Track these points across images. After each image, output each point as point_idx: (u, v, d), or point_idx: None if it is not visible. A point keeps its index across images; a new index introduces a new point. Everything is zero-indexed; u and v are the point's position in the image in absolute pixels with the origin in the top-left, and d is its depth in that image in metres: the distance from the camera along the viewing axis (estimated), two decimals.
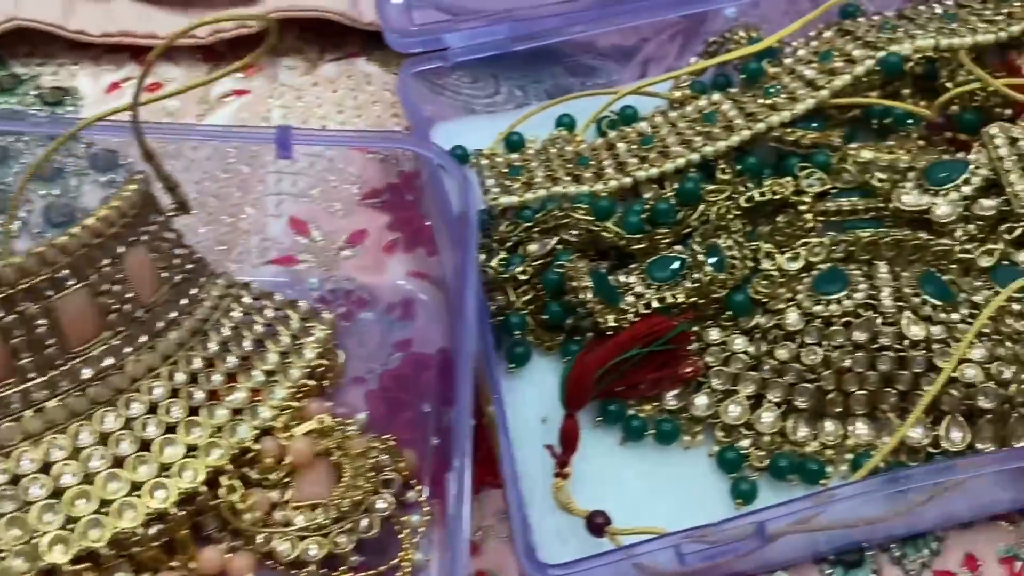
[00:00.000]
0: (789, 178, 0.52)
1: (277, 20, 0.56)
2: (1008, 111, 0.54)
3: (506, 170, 0.55)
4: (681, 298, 0.47)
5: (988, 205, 0.50)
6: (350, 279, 0.55)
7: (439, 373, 0.51)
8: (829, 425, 0.46)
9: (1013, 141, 0.51)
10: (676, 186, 0.52)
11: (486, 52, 0.59)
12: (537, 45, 0.59)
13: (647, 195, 0.53)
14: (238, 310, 0.49)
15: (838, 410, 0.46)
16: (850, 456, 0.46)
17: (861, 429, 0.46)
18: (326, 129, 0.62)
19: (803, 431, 0.46)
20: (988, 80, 0.52)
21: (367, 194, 0.59)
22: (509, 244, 0.51)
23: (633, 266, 0.50)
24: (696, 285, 0.48)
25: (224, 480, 0.44)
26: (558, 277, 0.48)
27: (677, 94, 0.58)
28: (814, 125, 0.54)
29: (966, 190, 0.50)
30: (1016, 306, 0.47)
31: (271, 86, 0.65)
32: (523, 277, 0.49)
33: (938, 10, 0.58)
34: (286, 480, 0.46)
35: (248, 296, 0.50)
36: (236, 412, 0.46)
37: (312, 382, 0.49)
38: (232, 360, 0.47)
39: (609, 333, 0.47)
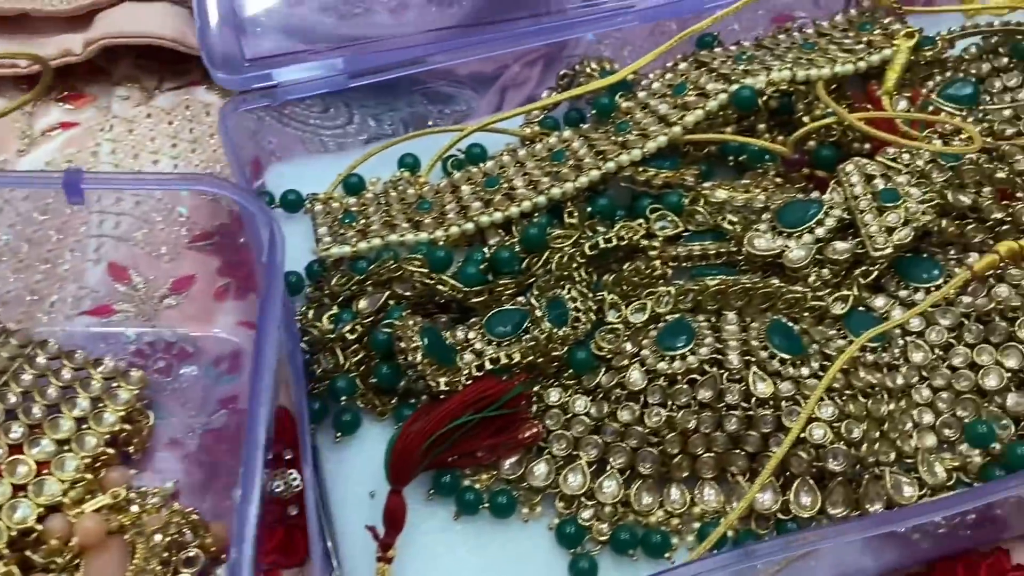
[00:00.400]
0: (640, 221, 0.49)
1: (55, 59, 0.52)
2: (867, 145, 0.52)
3: (341, 216, 0.52)
4: (517, 357, 0.44)
5: (842, 248, 0.47)
6: (172, 330, 0.51)
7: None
8: (675, 492, 0.44)
9: (869, 179, 0.49)
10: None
11: (320, 89, 0.55)
12: (378, 80, 0.56)
13: (492, 241, 0.50)
14: (29, 372, 0.45)
15: (685, 475, 0.44)
16: (697, 524, 0.43)
17: (709, 495, 0.43)
18: (122, 172, 0.58)
19: (647, 499, 0.43)
20: (843, 115, 0.50)
21: (197, 236, 0.54)
22: (341, 299, 0.47)
23: (472, 320, 0.46)
24: (534, 342, 0.44)
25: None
26: (387, 336, 0.45)
27: (527, 131, 0.55)
28: (667, 164, 0.52)
29: (820, 232, 0.48)
30: (870, 356, 0.45)
31: (103, 118, 0.60)
32: (351, 336, 0.45)
33: (798, 39, 0.56)
34: (74, 563, 0.41)
35: (44, 356, 0.46)
36: (18, 488, 0.42)
37: (112, 450, 0.45)
38: (18, 430, 0.43)
39: (443, 397, 0.44)
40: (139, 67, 0.62)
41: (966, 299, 0.46)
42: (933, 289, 0.46)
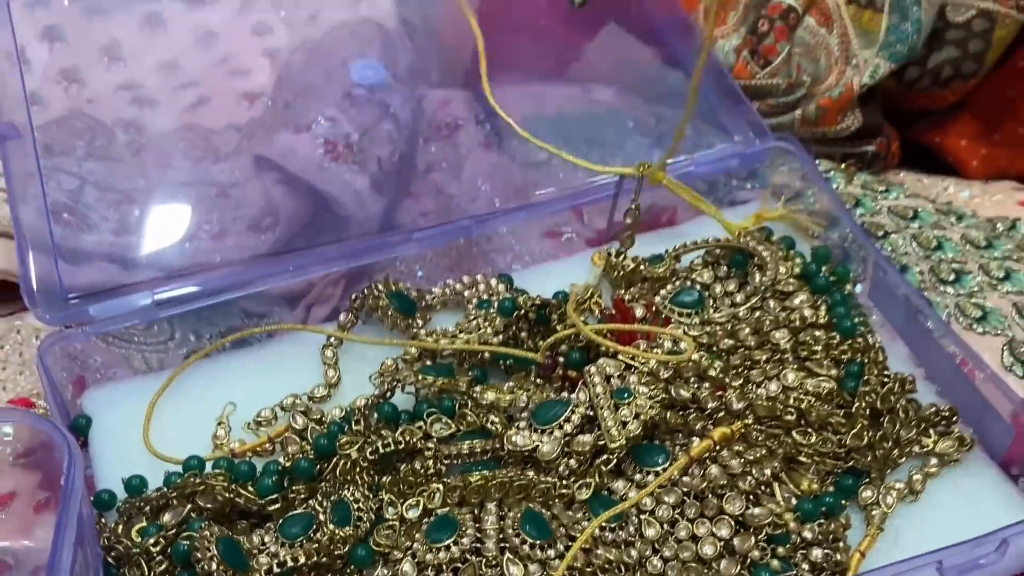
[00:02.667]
0: (420, 424, 0.57)
1: None
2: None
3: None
4: (302, 558, 0.51)
5: (584, 440, 0.56)
6: None
7: None
8: None
9: (607, 378, 0.58)
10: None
11: (132, 321, 0.62)
12: (185, 310, 0.63)
13: (291, 449, 0.57)
14: None
15: None
16: None
17: None
18: None
19: None
20: (581, 327, 0.59)
21: (19, 454, 0.60)
22: (148, 510, 0.54)
23: (268, 525, 0.53)
24: (317, 544, 0.51)
25: None
26: (185, 547, 0.51)
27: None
28: (445, 372, 0.60)
29: (567, 427, 0.56)
30: (610, 535, 0.53)
31: None
32: (155, 549, 0.51)
33: None
34: None
35: None
36: None
37: None
38: None
39: None
40: None
41: (686, 479, 0.55)
42: (661, 472, 0.55)
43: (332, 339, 0.64)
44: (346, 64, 0.73)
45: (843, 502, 0.56)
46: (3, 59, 0.70)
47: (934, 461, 0.58)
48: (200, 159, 0.74)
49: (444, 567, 0.51)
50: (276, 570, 0.50)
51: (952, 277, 0.68)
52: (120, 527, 0.53)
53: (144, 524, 0.53)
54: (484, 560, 0.51)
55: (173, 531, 0.52)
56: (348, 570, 0.52)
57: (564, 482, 0.55)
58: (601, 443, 0.56)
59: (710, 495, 0.55)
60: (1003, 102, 0.83)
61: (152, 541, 0.52)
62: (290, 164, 0.68)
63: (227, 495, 0.53)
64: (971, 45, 0.80)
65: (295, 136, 0.69)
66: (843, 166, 0.79)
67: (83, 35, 0.77)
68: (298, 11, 0.80)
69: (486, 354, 0.62)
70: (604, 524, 0.53)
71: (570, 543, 0.52)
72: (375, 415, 0.58)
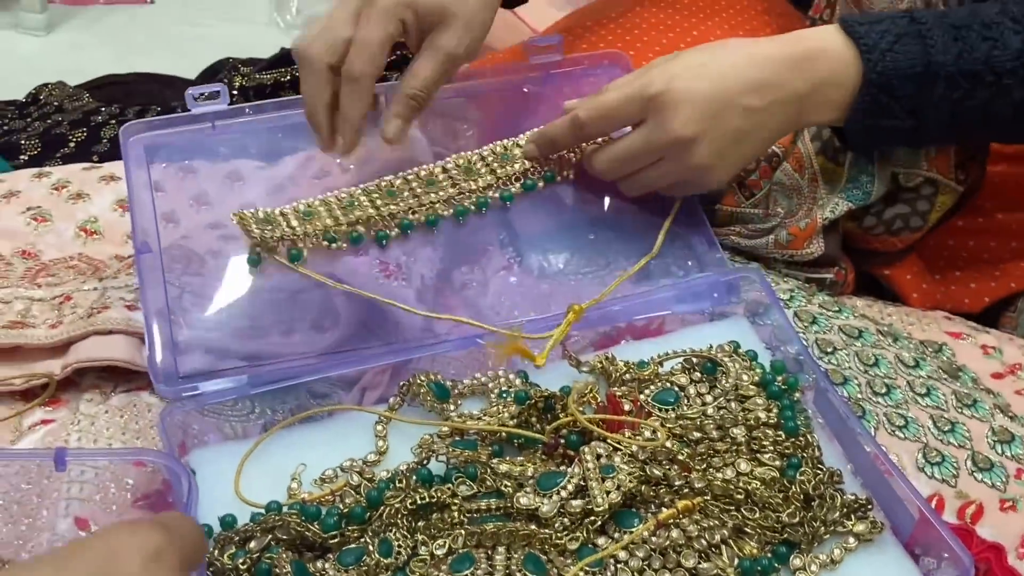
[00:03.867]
0: (448, 485, 0.74)
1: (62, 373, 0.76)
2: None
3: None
4: None
5: (576, 504, 0.72)
6: None
7: None
8: None
9: (598, 456, 0.74)
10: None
11: (231, 396, 0.80)
12: (275, 387, 0.81)
13: (348, 499, 0.74)
14: None
15: None
16: None
17: None
18: (92, 448, 0.80)
19: None
20: (579, 418, 0.76)
21: (138, 498, 0.77)
22: (238, 540, 0.70)
23: (329, 555, 0.69)
24: (366, 568, 0.67)
25: None
26: (267, 566, 0.67)
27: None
28: (469, 445, 0.77)
29: (564, 494, 0.72)
30: None
31: (72, 415, 0.83)
32: (243, 567, 0.68)
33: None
34: None
35: None
36: None
37: None
38: None
39: None
40: (100, 378, 0.86)
41: (654, 539, 0.71)
42: (634, 531, 0.71)
43: (382, 418, 0.80)
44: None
45: (776, 566, 0.71)
46: (142, 189, 0.89)
47: (852, 539, 0.73)
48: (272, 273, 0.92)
49: None
50: None
51: (884, 390, 0.84)
52: (217, 551, 0.69)
53: (235, 550, 0.69)
54: None
55: (257, 555, 0.68)
56: None
57: (559, 535, 0.70)
58: (589, 507, 0.72)
59: (671, 552, 0.70)
60: (943, 249, 0.99)
61: (241, 562, 0.68)
62: (352, 280, 0.86)
63: (298, 530, 0.69)
64: (918, 205, 0.96)
65: (356, 258, 0.88)
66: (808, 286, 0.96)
67: (178, 187, 0.96)
68: (350, 157, 0.96)
69: (503, 434, 0.78)
70: (586, 569, 0.68)
71: None
72: (415, 477, 0.74)
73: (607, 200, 0.96)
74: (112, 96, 1.45)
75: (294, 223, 0.89)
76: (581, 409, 0.78)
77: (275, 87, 1.37)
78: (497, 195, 0.94)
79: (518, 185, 0.95)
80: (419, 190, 0.93)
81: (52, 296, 0.93)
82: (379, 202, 0.91)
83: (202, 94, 0.96)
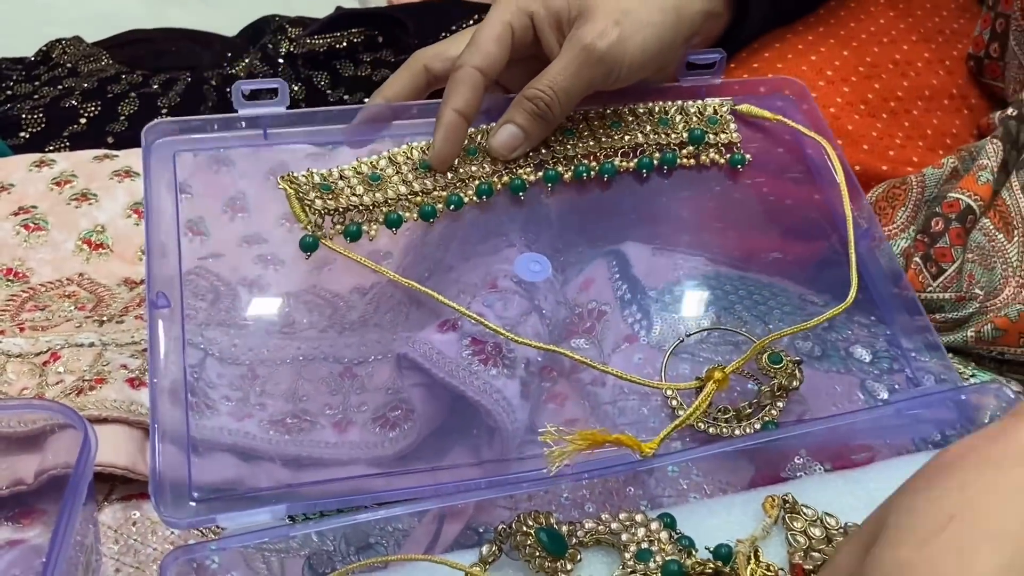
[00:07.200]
0: None
1: None
2: None
3: None
4: None
5: None
6: None
7: None
8: None
9: None
10: None
11: (262, 539, 0.57)
12: (315, 527, 0.58)
13: None
14: None
15: None
16: None
17: None
18: None
19: None
20: None
21: None
22: None
23: None
24: None
25: None
26: None
27: None
28: None
29: None
30: None
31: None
32: None
33: None
34: None
35: None
36: None
37: None
38: None
39: None
40: None
41: None
42: None
43: None
44: (496, 250, 0.68)
45: None
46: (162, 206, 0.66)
47: None
48: (326, 328, 0.69)
49: None
50: None
51: None
52: None
53: None
54: None
55: None
56: None
57: None
58: None
59: None
60: None
61: None
62: (436, 367, 0.63)
63: None
64: None
65: (441, 335, 0.64)
66: None
67: (207, 184, 0.73)
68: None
69: None
70: None
71: None
72: None
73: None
74: (136, 57, 1.21)
75: (359, 189, 0.68)
76: None
77: (329, 55, 1.13)
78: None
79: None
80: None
81: (36, 351, 0.71)
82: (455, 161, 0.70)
83: (255, 91, 0.72)
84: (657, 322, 0.70)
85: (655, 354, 0.68)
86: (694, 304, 0.72)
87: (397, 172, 0.70)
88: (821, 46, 0.88)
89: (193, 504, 0.57)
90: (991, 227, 0.74)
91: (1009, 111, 0.79)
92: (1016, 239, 0.73)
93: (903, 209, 0.76)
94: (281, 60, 1.11)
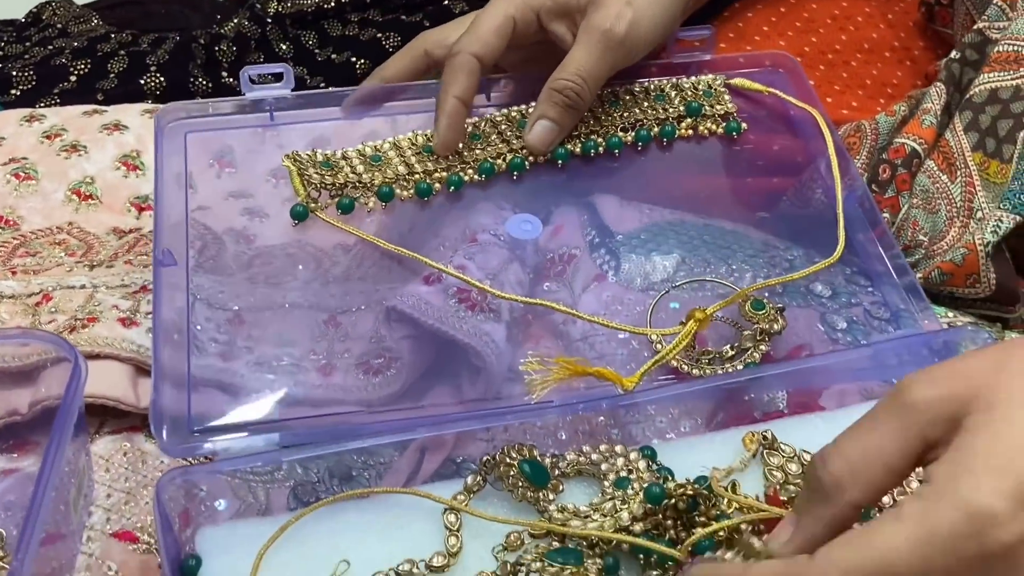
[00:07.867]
0: None
1: None
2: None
3: None
4: None
5: None
6: None
7: None
8: None
9: None
10: None
11: (255, 463, 0.59)
12: (312, 455, 0.59)
13: None
14: None
15: None
16: None
17: None
18: None
19: None
20: (751, 548, 0.54)
21: None
22: None
23: None
24: None
25: None
26: None
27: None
28: (572, 558, 0.56)
29: None
30: None
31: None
32: None
33: None
34: None
35: None
36: None
37: None
38: None
39: None
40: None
41: None
42: None
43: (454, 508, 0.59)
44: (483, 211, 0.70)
45: None
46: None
47: None
48: (310, 280, 0.70)
49: None
50: None
51: None
52: None
53: None
54: None
55: None
56: None
57: None
58: None
59: None
60: None
61: None
62: (426, 316, 0.64)
63: None
64: None
65: (427, 286, 0.65)
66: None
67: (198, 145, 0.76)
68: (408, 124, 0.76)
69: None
70: None
71: None
72: None
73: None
74: (125, 18, 1.21)
75: (359, 168, 0.71)
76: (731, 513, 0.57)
77: (316, 14, 1.13)
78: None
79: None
80: (508, 133, 0.74)
81: (28, 292, 0.72)
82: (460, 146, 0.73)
83: (260, 76, 0.76)
84: (625, 263, 0.72)
85: (622, 291, 0.70)
86: (660, 245, 0.73)
87: (400, 155, 0.72)
88: (759, 3, 0.90)
89: (191, 434, 0.59)
90: (935, 168, 0.76)
91: (952, 54, 0.80)
92: (959, 179, 0.75)
93: (858, 158, 0.79)
94: (269, 20, 1.12)
